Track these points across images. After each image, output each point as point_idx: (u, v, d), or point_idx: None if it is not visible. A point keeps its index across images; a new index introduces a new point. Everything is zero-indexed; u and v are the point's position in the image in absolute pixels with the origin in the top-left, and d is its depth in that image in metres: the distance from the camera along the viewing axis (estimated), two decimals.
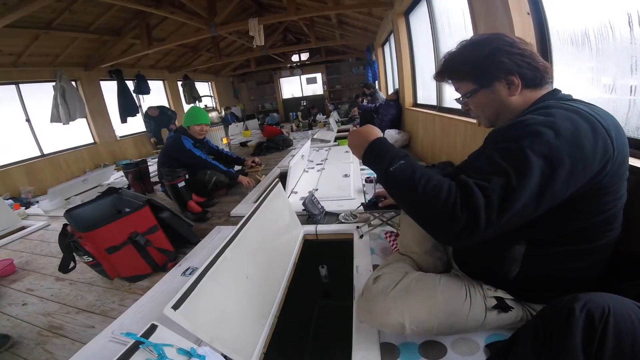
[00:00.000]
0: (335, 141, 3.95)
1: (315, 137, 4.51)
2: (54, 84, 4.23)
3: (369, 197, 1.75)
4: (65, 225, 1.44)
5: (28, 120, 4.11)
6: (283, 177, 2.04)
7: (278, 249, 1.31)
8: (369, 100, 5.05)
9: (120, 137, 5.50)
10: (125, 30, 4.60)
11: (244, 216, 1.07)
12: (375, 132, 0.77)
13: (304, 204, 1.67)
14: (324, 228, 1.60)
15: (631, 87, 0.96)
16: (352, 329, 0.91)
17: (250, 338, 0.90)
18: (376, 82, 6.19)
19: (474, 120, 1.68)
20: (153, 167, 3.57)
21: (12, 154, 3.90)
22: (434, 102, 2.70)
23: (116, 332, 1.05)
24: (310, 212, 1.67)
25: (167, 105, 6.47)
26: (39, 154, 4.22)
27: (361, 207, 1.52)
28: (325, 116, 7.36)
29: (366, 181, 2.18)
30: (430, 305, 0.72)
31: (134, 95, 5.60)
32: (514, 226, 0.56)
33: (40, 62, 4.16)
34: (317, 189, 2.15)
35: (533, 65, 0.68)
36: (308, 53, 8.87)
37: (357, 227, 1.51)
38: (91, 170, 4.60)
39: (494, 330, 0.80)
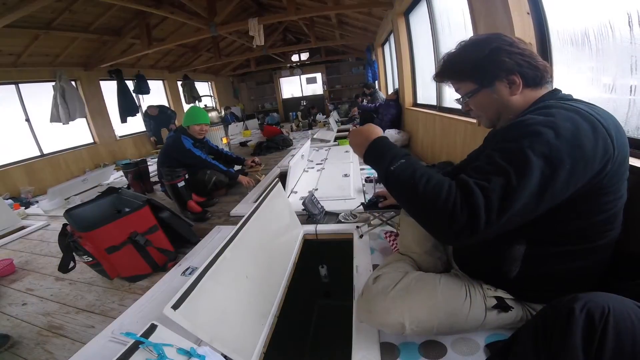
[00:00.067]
0: (335, 141, 3.95)
1: (315, 137, 4.51)
2: (53, 83, 4.23)
3: (368, 196, 1.75)
4: (65, 225, 1.44)
5: (28, 120, 4.11)
6: (283, 177, 2.04)
7: (278, 248, 1.31)
8: (368, 100, 5.05)
9: (120, 137, 5.50)
10: (125, 30, 4.60)
11: (243, 216, 1.07)
12: (377, 131, 0.77)
13: (303, 203, 1.67)
14: (324, 228, 1.60)
15: (631, 87, 0.96)
16: (352, 328, 0.91)
17: (250, 338, 0.90)
18: (376, 82, 6.19)
19: (474, 120, 1.68)
20: (153, 166, 3.57)
21: (11, 153, 3.90)
22: (434, 102, 2.70)
23: (116, 332, 1.05)
24: (310, 212, 1.67)
25: (166, 105, 6.47)
26: (38, 153, 4.22)
27: (361, 207, 1.51)
28: (325, 116, 7.37)
29: (366, 181, 2.18)
30: (430, 305, 0.72)
31: (133, 95, 5.60)
32: (513, 226, 0.56)
33: (40, 62, 4.16)
34: (317, 189, 2.15)
35: (533, 65, 0.69)
36: (308, 53, 8.87)
37: (357, 226, 1.51)
38: (91, 170, 4.60)
39: (494, 330, 0.80)
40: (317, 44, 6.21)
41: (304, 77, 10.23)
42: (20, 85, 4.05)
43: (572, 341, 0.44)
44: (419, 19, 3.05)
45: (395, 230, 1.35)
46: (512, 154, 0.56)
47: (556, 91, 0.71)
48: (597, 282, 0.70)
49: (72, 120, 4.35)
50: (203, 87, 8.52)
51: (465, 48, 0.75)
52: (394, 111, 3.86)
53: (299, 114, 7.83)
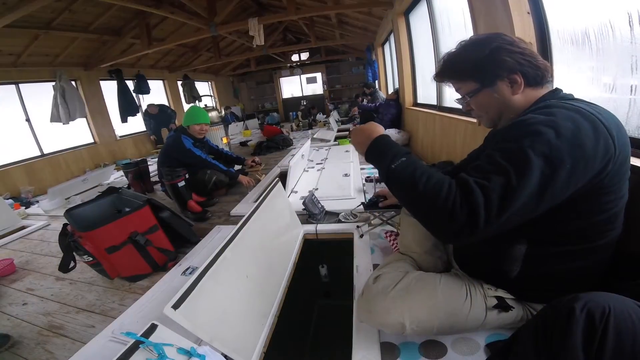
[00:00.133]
0: (335, 141, 3.95)
1: (315, 136, 4.51)
2: (53, 83, 4.23)
3: (369, 196, 1.75)
4: (65, 225, 1.44)
5: (28, 120, 4.12)
6: (283, 177, 2.04)
7: (278, 248, 1.30)
8: (369, 99, 5.05)
9: (120, 136, 5.51)
10: (125, 30, 4.60)
11: (244, 216, 1.07)
12: (379, 129, 0.77)
13: (304, 203, 1.67)
14: (324, 227, 1.60)
15: (631, 87, 0.95)
16: (352, 328, 0.91)
17: (250, 337, 0.90)
18: (376, 81, 6.19)
19: (474, 120, 1.67)
20: (153, 166, 3.57)
21: (12, 153, 3.90)
22: (434, 102, 2.70)
23: (116, 331, 1.05)
24: (311, 212, 1.67)
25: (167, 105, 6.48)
26: (38, 153, 4.23)
27: (361, 207, 1.51)
28: (325, 116, 7.36)
29: (366, 180, 2.18)
30: (430, 305, 0.72)
31: (133, 95, 5.60)
32: (513, 225, 0.56)
33: (40, 62, 4.16)
34: (317, 189, 2.15)
35: (534, 64, 0.68)
36: (308, 53, 8.87)
37: (357, 226, 1.51)
38: (91, 170, 4.60)
39: (494, 330, 0.80)
40: (317, 44, 6.21)
41: (304, 76, 10.22)
42: (20, 85, 4.05)
43: (572, 341, 0.44)
44: (419, 18, 3.05)
45: (395, 230, 1.35)
46: (512, 154, 0.56)
47: (557, 90, 0.71)
48: (597, 282, 0.70)
49: (72, 120, 4.36)
50: (203, 87, 8.52)
51: (465, 48, 0.75)
52: (394, 111, 3.86)
53: (299, 113, 7.83)
